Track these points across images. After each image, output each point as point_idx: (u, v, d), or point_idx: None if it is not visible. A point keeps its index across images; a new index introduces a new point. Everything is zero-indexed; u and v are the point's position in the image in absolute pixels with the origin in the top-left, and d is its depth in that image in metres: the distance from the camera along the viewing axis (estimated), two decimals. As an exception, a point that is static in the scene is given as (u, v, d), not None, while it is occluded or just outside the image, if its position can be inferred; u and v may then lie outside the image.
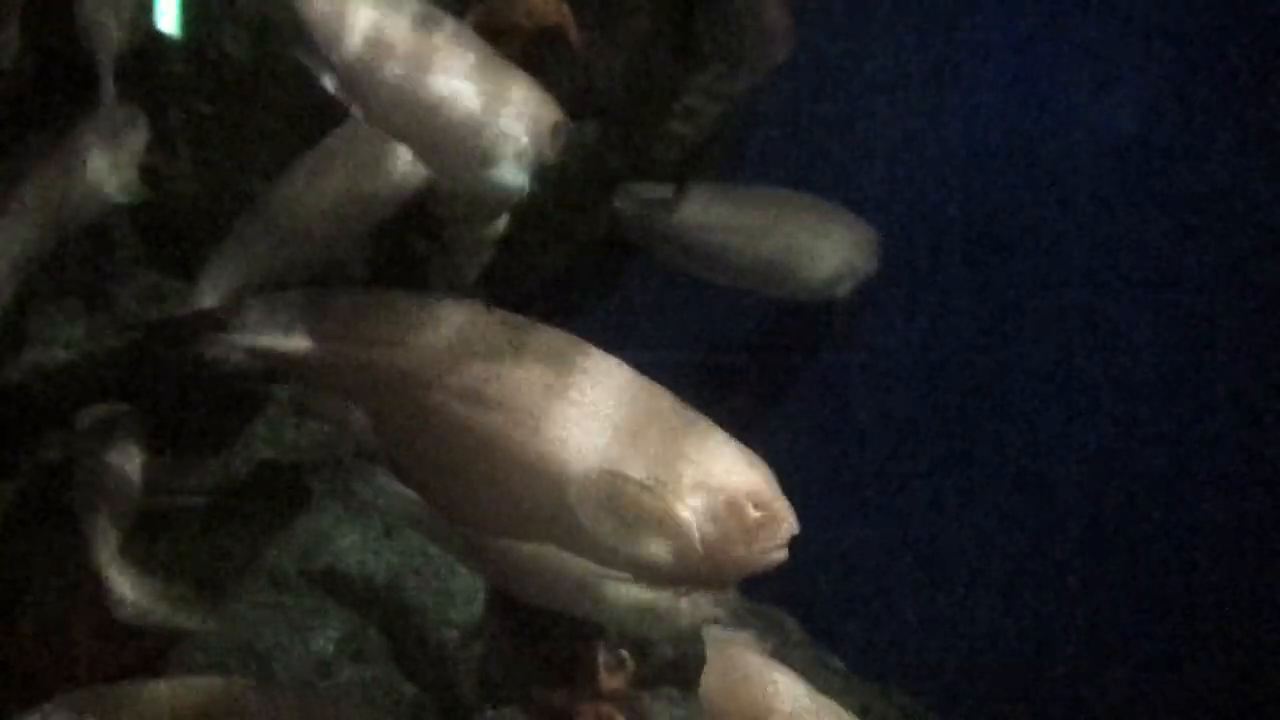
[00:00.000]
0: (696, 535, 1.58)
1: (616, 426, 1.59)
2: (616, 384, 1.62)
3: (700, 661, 2.70)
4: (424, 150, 1.93)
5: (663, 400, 1.63)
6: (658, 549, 1.60)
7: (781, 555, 1.62)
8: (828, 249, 2.90)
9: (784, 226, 2.91)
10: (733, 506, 1.59)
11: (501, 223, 2.78)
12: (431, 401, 1.63)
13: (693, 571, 1.61)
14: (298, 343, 1.71)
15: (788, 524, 1.62)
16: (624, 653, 2.46)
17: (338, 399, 1.72)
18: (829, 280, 2.91)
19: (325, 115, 2.11)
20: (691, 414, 1.64)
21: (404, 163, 2.23)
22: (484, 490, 1.64)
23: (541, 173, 1.98)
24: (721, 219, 2.92)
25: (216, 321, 1.76)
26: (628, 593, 2.21)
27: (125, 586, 2.09)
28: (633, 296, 3.16)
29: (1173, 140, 2.99)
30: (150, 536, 2.19)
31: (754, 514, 1.59)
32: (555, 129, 1.91)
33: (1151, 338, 3.02)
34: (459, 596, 2.52)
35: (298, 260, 2.27)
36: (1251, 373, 3.00)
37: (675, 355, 3.18)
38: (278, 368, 1.77)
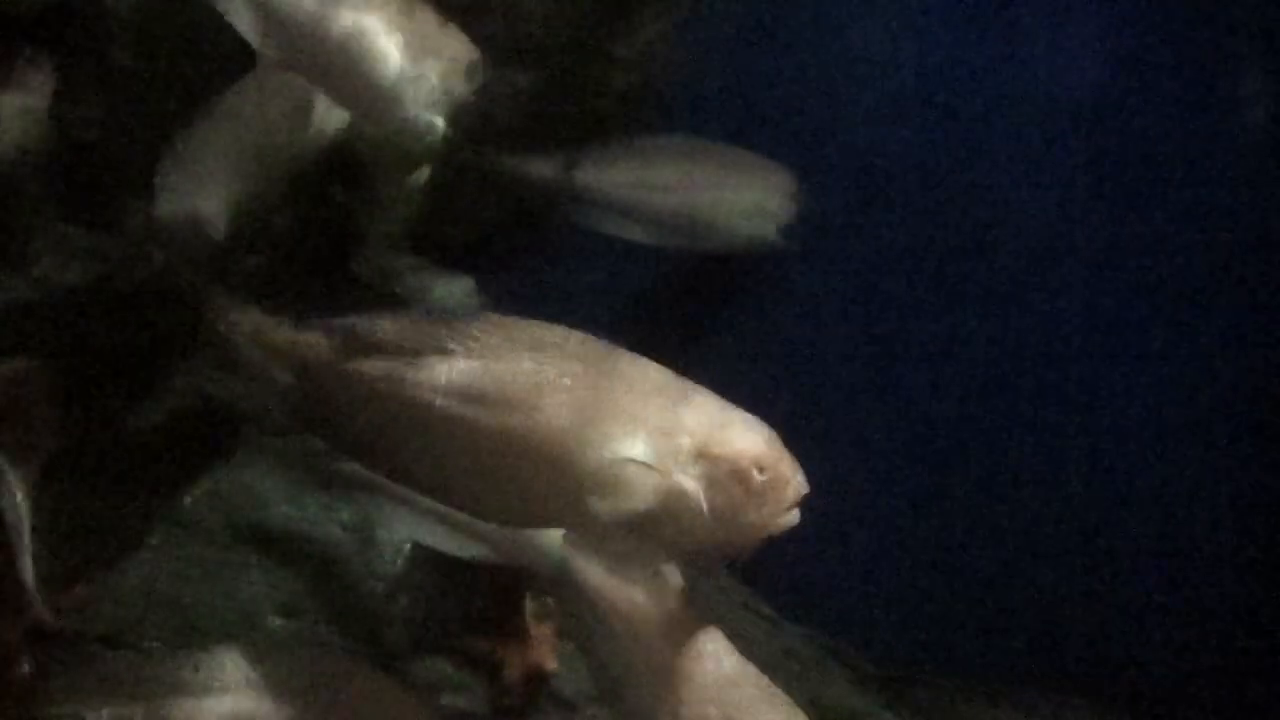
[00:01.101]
0: (705, 506, 1.58)
1: (613, 408, 1.59)
2: (607, 365, 1.62)
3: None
4: (336, 91, 1.91)
5: (654, 374, 1.63)
6: (669, 525, 1.59)
7: (794, 516, 1.62)
8: (745, 198, 2.89)
9: (699, 178, 2.89)
10: (737, 473, 1.58)
11: (424, 173, 2.76)
12: (435, 407, 1.62)
13: (706, 542, 1.60)
14: (305, 352, 1.70)
15: (795, 484, 1.61)
16: (550, 601, 2.46)
17: (267, 360, 1.70)
18: (748, 230, 2.90)
19: (238, 59, 2.08)
20: (685, 384, 1.63)
21: (321, 108, 2.20)
22: (494, 489, 1.64)
23: (459, 115, 1.96)
24: (634, 176, 2.90)
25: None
26: (558, 538, 2.21)
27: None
28: (570, 254, 3.14)
29: (1118, 99, 3.00)
30: (64, 488, 2.16)
31: (759, 478, 1.59)
32: (469, 68, 1.89)
33: (1091, 298, 3.04)
34: (385, 549, 2.50)
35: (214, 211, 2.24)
36: (1188, 327, 3.03)
37: (608, 314, 3.19)
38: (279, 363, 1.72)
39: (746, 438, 1.60)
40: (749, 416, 1.63)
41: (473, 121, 2.80)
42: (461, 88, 1.89)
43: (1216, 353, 3.03)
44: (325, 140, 2.28)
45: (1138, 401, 3.05)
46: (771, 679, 2.96)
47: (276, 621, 2.45)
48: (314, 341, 1.71)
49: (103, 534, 2.26)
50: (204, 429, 2.52)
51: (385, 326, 1.70)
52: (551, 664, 2.27)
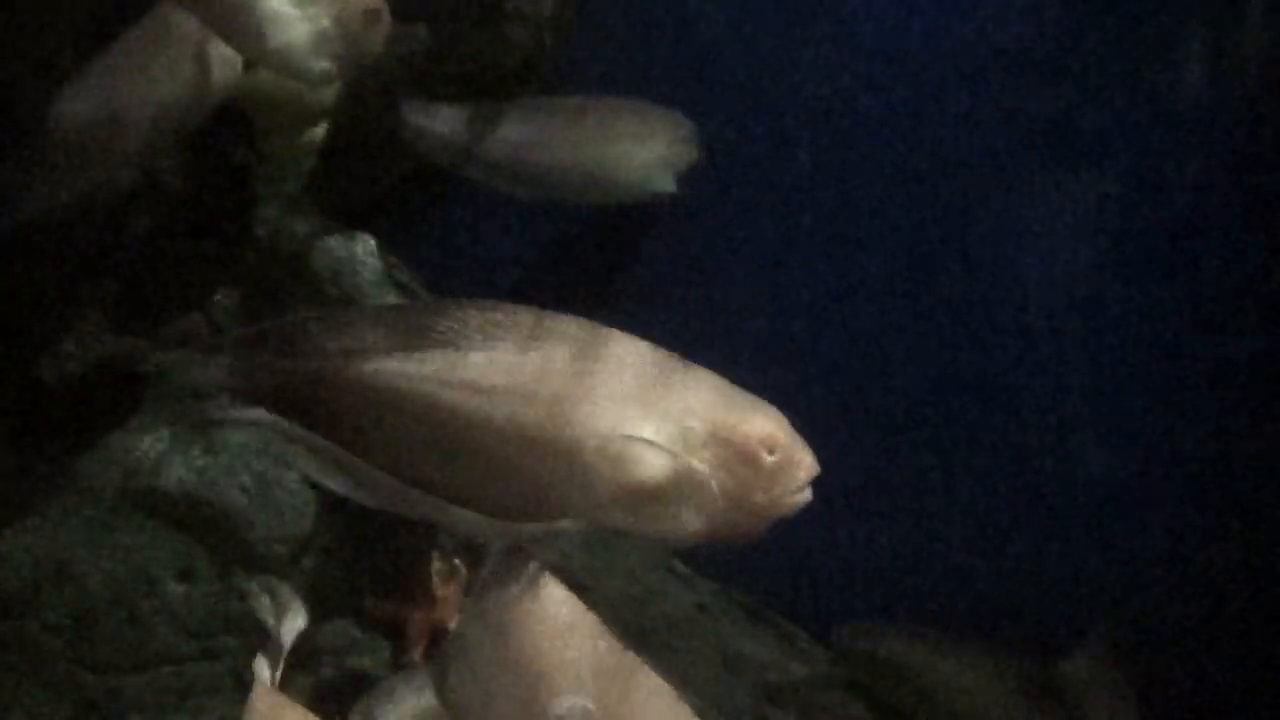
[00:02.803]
0: (715, 489, 1.57)
1: (618, 393, 1.57)
2: (608, 350, 1.59)
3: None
4: (233, 38, 1.86)
5: (657, 357, 1.60)
6: (680, 509, 1.57)
7: (805, 497, 1.61)
8: (642, 148, 2.87)
9: (593, 132, 2.87)
10: (747, 454, 1.57)
11: (321, 130, 2.72)
12: (439, 403, 1.59)
13: (718, 525, 1.59)
14: (294, 362, 1.63)
15: (806, 464, 1.60)
16: (457, 561, 2.44)
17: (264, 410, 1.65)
18: (648, 181, 2.88)
19: (130, 8, 2.02)
20: (689, 366, 1.61)
21: (216, 61, 2.15)
22: (503, 483, 1.60)
23: (359, 65, 1.92)
24: (527, 134, 2.87)
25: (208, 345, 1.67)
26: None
27: None
28: (475, 211, 3.10)
29: (1042, 54, 3.00)
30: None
31: (769, 459, 1.58)
32: (366, 17, 1.85)
33: (1015, 255, 3.04)
34: (288, 512, 2.46)
35: (104, 165, 2.18)
36: (1114, 281, 3.04)
37: (518, 271, 3.16)
38: (267, 386, 1.66)
39: (756, 419, 1.59)
40: (756, 398, 1.61)
41: (370, 77, 2.77)
42: (361, 39, 1.84)
43: (1153, 311, 3.05)
44: (219, 95, 2.22)
45: (1064, 352, 3.05)
46: (683, 635, 2.99)
47: (176, 588, 2.41)
48: (309, 366, 1.65)
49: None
50: (97, 393, 2.46)
51: (380, 327, 1.64)
52: (455, 622, 2.25)
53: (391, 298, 2.89)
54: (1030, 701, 2.78)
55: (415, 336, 1.60)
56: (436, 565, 2.42)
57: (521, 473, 1.58)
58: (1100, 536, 3.06)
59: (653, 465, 1.56)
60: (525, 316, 1.59)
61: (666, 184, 2.86)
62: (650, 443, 1.55)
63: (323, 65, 1.84)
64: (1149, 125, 3.00)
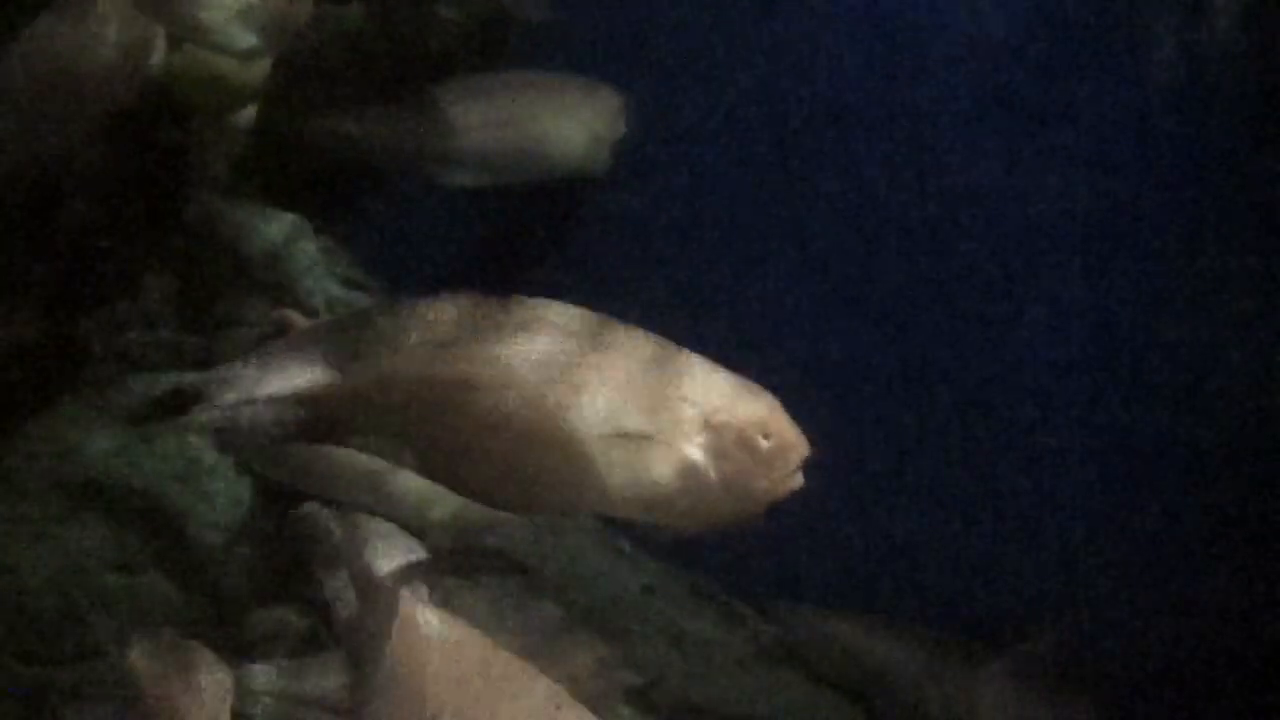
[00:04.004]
0: (712, 475, 1.57)
1: (613, 382, 1.56)
2: (601, 338, 1.58)
3: (477, 551, 2.68)
4: (159, 12, 1.82)
5: (651, 344, 1.60)
6: (680, 497, 1.58)
7: (799, 480, 1.62)
8: (570, 123, 2.85)
9: (519, 108, 2.84)
10: (742, 440, 1.58)
11: (251, 112, 2.67)
12: (438, 397, 1.58)
13: (716, 512, 1.60)
14: (315, 377, 1.60)
15: (800, 447, 1.61)
16: (399, 543, 2.42)
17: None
18: (581, 157, 2.86)
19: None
20: (682, 352, 1.61)
21: (140, 36, 2.11)
22: (502, 475, 1.60)
23: (286, 38, 1.89)
24: (453, 117, 2.84)
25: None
26: (407, 482, 2.17)
27: None
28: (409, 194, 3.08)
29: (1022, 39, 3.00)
30: None
31: (764, 443, 1.58)
32: (294, -9, 1.82)
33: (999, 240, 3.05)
34: (222, 499, 2.44)
35: (28, 143, 2.14)
36: (1076, 263, 3.05)
37: (452, 248, 3.14)
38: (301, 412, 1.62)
39: (750, 404, 1.59)
40: (749, 382, 1.62)
41: (302, 60, 2.74)
42: (286, 9, 1.81)
43: (1121, 293, 3.06)
44: (146, 72, 2.18)
45: (1023, 335, 3.06)
46: (629, 615, 2.98)
47: (111, 579, 2.38)
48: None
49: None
50: (27, 381, 2.42)
51: (379, 326, 1.62)
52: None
53: (330, 284, 2.86)
54: (965, 681, 2.81)
55: (410, 335, 1.59)
56: (377, 549, 2.39)
57: (520, 465, 1.58)
58: (1036, 525, 3.09)
59: (650, 455, 1.56)
60: (516, 307, 1.59)
61: (598, 160, 2.85)
62: (645, 435, 1.56)
63: (249, 39, 1.81)
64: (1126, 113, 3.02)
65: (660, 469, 1.56)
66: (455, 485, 1.64)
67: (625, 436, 1.56)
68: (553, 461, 1.57)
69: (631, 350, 1.58)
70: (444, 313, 1.58)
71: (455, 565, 2.66)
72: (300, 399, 1.59)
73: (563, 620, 2.87)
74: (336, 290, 2.85)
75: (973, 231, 3.05)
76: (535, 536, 2.92)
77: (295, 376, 1.59)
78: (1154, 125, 3.02)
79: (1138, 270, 3.04)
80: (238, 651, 2.32)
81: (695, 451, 1.57)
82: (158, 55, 2.15)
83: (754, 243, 3.06)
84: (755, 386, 1.62)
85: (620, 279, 3.02)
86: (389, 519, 2.29)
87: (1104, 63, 3.00)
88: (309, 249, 2.81)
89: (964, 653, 2.86)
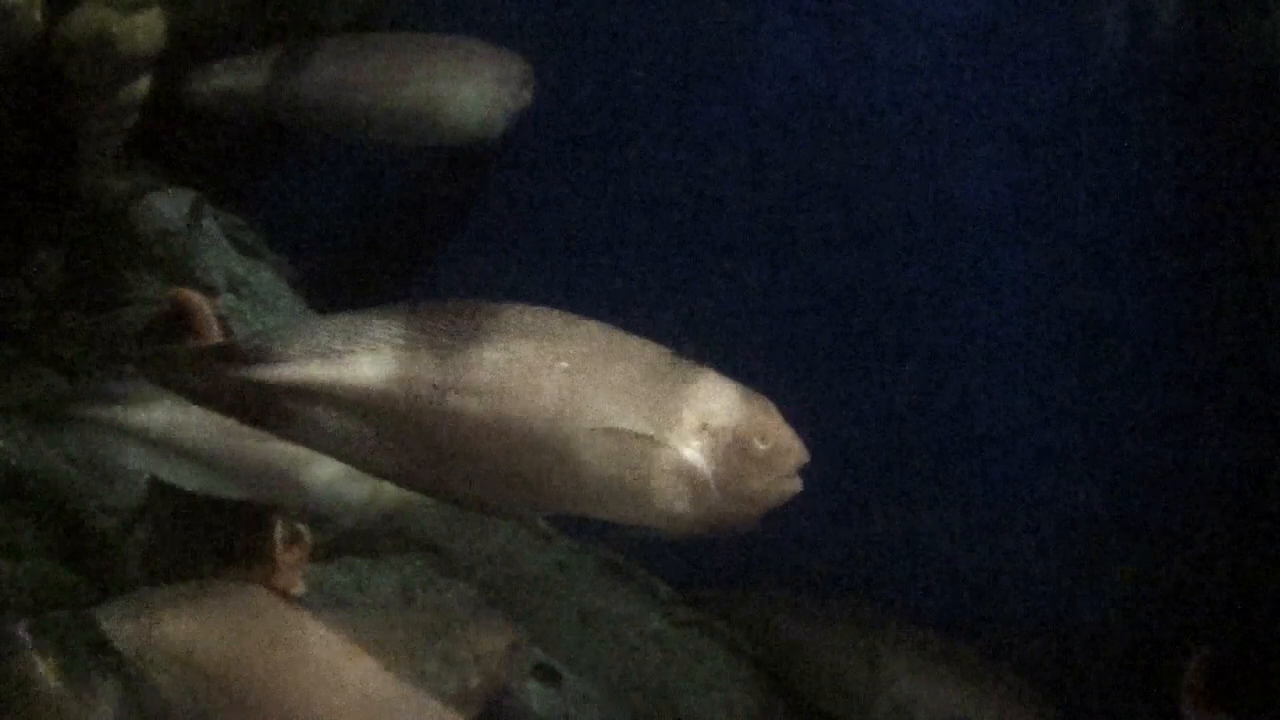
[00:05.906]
0: (710, 478, 1.59)
1: (608, 385, 1.59)
2: (599, 344, 1.61)
3: (387, 532, 2.64)
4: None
5: (646, 350, 1.63)
6: (676, 498, 1.60)
7: (796, 483, 1.64)
8: (472, 90, 2.80)
9: (414, 69, 2.78)
10: (739, 443, 1.60)
11: (144, 84, 2.60)
12: (428, 402, 1.60)
13: (714, 514, 1.62)
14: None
15: (797, 450, 1.63)
16: (301, 527, 2.38)
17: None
18: (479, 122, 2.81)
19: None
20: (678, 358, 1.63)
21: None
22: (503, 480, 1.62)
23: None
24: (341, 72, 2.77)
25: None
26: (321, 470, 2.14)
27: None
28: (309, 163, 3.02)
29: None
30: None
31: (761, 447, 1.61)
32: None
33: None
34: (118, 482, 2.38)
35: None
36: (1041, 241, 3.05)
37: (356, 221, 3.08)
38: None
39: (746, 408, 1.62)
40: (745, 387, 1.64)
41: (196, 31, 2.67)
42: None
43: (1069, 281, 3.07)
44: (24, 43, 2.11)
45: (970, 298, 3.07)
46: (542, 592, 2.95)
47: (2, 565, 2.31)
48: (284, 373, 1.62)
49: None
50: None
51: (373, 329, 1.63)
52: (298, 588, 2.20)
53: (230, 259, 2.80)
54: (876, 653, 2.82)
55: (406, 337, 1.60)
56: (280, 530, 2.35)
57: (514, 467, 1.60)
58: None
59: (645, 457, 1.58)
60: (513, 313, 1.61)
61: (495, 125, 2.79)
62: (643, 436, 1.58)
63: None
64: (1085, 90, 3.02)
65: (654, 471, 1.59)
66: (438, 490, 1.65)
67: (624, 438, 1.58)
68: (545, 462, 1.59)
69: (630, 356, 1.61)
70: (439, 317, 1.60)
71: (365, 546, 2.63)
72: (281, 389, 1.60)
73: (474, 599, 2.86)
74: (237, 266, 2.79)
75: (920, 222, 3.06)
76: (448, 516, 2.88)
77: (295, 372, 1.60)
78: (1100, 114, 3.03)
79: (1089, 259, 3.06)
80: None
81: (693, 455, 1.59)
82: (37, 14, 2.08)
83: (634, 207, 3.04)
84: (753, 391, 1.64)
85: (520, 252, 2.99)
86: (301, 506, 2.26)
87: (1051, 52, 3.01)
88: (208, 225, 2.75)
89: (878, 625, 2.87)
